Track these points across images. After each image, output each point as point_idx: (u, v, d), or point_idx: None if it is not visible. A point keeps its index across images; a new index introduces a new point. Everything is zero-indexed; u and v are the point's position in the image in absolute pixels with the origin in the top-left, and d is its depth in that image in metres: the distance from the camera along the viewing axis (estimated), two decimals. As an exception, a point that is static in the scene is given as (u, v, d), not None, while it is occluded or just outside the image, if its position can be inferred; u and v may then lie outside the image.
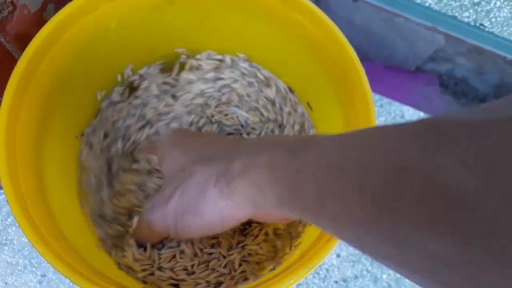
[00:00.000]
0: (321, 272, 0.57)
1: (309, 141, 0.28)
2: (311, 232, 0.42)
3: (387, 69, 0.77)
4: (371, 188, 0.20)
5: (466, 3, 0.54)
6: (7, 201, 0.35)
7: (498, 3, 0.52)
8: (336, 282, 0.57)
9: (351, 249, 0.58)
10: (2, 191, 0.59)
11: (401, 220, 0.18)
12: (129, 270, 0.42)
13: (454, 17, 0.61)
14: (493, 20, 0.55)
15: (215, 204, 0.33)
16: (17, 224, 0.58)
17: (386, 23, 0.67)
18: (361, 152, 0.22)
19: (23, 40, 0.41)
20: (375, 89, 0.37)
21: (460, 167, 0.15)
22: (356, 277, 0.57)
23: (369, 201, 0.20)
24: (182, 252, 0.43)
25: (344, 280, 0.57)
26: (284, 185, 0.27)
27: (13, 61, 0.40)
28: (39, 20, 0.43)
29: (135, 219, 0.42)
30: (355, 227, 0.21)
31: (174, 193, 0.36)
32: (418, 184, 0.17)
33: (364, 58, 0.72)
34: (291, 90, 0.51)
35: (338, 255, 0.57)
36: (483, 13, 0.55)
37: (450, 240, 0.16)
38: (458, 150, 0.16)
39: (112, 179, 0.47)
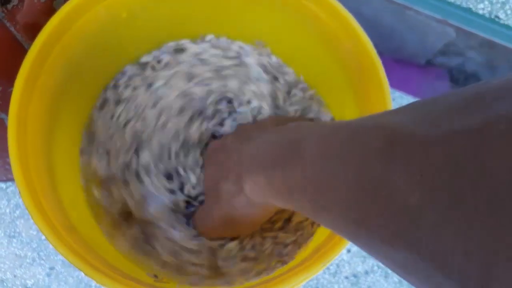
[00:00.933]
0: (331, 268, 0.57)
1: (294, 152, 0.29)
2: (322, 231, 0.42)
3: (397, 62, 0.76)
4: (346, 203, 0.22)
5: (481, -6, 0.53)
6: (19, 192, 0.35)
7: (515, -6, 0.51)
8: (346, 277, 0.57)
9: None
10: (9, 183, 0.58)
11: (374, 236, 0.19)
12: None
13: (466, 10, 0.60)
14: (509, 12, 0.54)
15: (245, 211, 0.39)
16: (25, 217, 0.58)
17: (395, 16, 0.67)
18: (335, 167, 0.23)
19: (33, 29, 0.40)
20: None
21: (409, 187, 0.17)
22: (366, 272, 0.57)
23: (347, 216, 0.22)
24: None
25: (355, 276, 0.57)
26: (284, 199, 0.31)
27: (23, 51, 0.39)
28: (49, 9, 0.43)
29: None
30: (346, 236, 0.23)
31: (212, 209, 0.42)
32: (379, 203, 0.19)
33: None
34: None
35: (349, 250, 0.57)
36: (499, 5, 0.54)
37: (406, 252, 0.17)
38: (408, 169, 0.17)
39: None
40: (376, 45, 0.74)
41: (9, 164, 0.54)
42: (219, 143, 0.45)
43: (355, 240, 0.22)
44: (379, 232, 0.19)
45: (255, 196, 0.35)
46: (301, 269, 0.34)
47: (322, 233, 0.41)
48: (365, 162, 0.20)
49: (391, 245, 0.18)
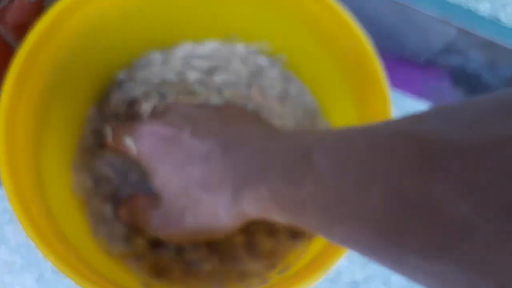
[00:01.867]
0: (330, 274, 0.56)
1: (304, 163, 0.27)
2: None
3: (397, 62, 0.77)
4: (372, 217, 0.21)
5: (482, -5, 0.53)
6: (8, 198, 0.34)
7: (515, -5, 0.52)
8: (346, 284, 0.56)
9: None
10: (-1, 187, 0.58)
11: (408, 251, 0.19)
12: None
13: (468, 10, 0.61)
14: (510, 13, 0.54)
15: (230, 223, 0.35)
16: (14, 222, 0.57)
17: (396, 15, 0.67)
18: (356, 178, 0.22)
19: (22, 29, 0.40)
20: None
21: (455, 199, 0.16)
22: (366, 279, 0.56)
23: (373, 230, 0.21)
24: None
25: (355, 282, 0.56)
26: (291, 214, 0.28)
27: (12, 51, 0.39)
28: (39, 9, 0.43)
29: None
30: (364, 250, 0.22)
31: (184, 215, 0.36)
32: (420, 216, 0.18)
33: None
34: None
35: (348, 257, 0.57)
36: (500, 6, 0.54)
37: (451, 266, 0.17)
38: (452, 180, 0.16)
39: None
40: (376, 44, 0.74)
41: (-3, 167, 0.54)
42: (163, 132, 0.38)
43: (376, 255, 0.21)
44: (419, 246, 0.18)
45: (255, 209, 0.32)
46: (300, 278, 0.33)
47: (319, 241, 0.40)
48: (397, 174, 0.19)
49: (432, 260, 0.17)
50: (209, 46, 0.50)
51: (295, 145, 0.29)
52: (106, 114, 0.47)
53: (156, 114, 0.42)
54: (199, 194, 0.35)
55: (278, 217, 0.30)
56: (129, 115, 0.46)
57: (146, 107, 0.44)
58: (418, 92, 0.73)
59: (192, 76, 0.48)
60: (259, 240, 0.43)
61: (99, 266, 0.37)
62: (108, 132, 0.42)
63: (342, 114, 0.45)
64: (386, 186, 0.20)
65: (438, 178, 0.17)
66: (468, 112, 0.17)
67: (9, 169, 0.35)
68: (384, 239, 0.20)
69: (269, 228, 0.43)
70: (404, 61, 0.76)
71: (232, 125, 0.37)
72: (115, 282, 0.36)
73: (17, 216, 0.34)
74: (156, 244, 0.42)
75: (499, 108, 0.16)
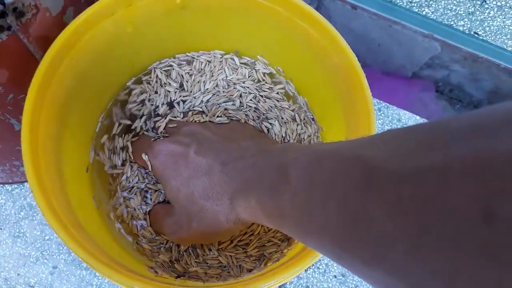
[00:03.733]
0: (321, 267, 0.59)
1: (282, 180, 0.31)
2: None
3: (385, 75, 0.79)
4: (331, 230, 0.24)
5: (462, 12, 0.56)
6: (32, 191, 0.37)
7: (492, 12, 0.55)
8: (335, 276, 0.59)
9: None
10: (14, 186, 0.61)
11: (357, 258, 0.22)
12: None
13: (450, 26, 0.63)
14: (487, 29, 0.57)
15: (231, 227, 0.41)
16: (30, 218, 0.60)
17: (384, 30, 0.70)
18: (320, 195, 0.25)
19: (44, 41, 0.43)
20: (373, 94, 0.40)
21: (383, 217, 0.19)
22: (354, 272, 0.59)
23: (332, 241, 0.24)
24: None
25: (343, 275, 0.59)
26: (275, 223, 0.33)
27: (35, 62, 0.42)
28: (60, 23, 0.45)
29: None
30: (330, 257, 0.26)
31: (192, 222, 0.43)
32: (361, 230, 0.21)
33: (362, 65, 0.74)
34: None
35: (337, 251, 0.60)
36: (477, 22, 0.57)
37: (384, 273, 0.20)
38: (383, 202, 0.19)
39: None
40: (365, 58, 0.77)
41: (15, 166, 0.57)
42: (173, 149, 0.45)
43: (340, 261, 0.24)
44: (361, 255, 0.21)
45: (248, 216, 0.38)
46: (292, 263, 0.36)
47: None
48: (346, 193, 0.22)
49: (371, 266, 0.21)
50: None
51: (278, 162, 0.33)
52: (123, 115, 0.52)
53: (168, 130, 0.50)
54: (203, 203, 0.41)
55: (267, 223, 0.34)
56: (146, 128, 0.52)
57: (161, 123, 0.50)
58: (404, 103, 0.75)
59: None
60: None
61: (114, 255, 0.41)
62: (129, 148, 0.49)
63: (333, 120, 0.49)
64: (339, 203, 0.23)
65: (373, 198, 0.20)
66: (406, 140, 0.20)
67: (33, 166, 0.38)
68: (341, 249, 0.23)
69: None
70: (391, 74, 0.78)
71: (232, 142, 0.44)
72: (128, 268, 0.39)
73: (40, 207, 0.37)
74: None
75: (427, 138, 0.19)
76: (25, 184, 0.62)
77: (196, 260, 0.47)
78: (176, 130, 0.48)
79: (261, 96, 0.54)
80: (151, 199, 0.49)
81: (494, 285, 0.14)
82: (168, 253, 0.47)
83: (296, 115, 0.53)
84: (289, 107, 0.53)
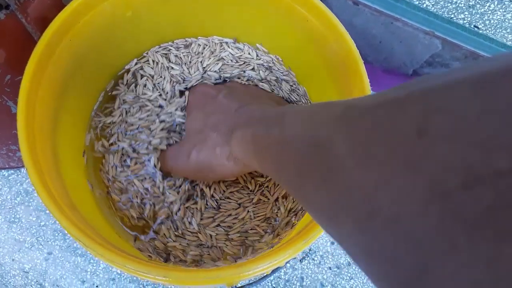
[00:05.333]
0: (316, 259, 0.59)
1: (279, 117, 0.33)
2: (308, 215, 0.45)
3: (385, 73, 0.79)
4: (299, 159, 0.26)
5: (462, 5, 0.56)
6: (27, 170, 0.37)
7: (492, 6, 0.54)
8: (330, 268, 0.59)
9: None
10: (11, 171, 0.61)
11: (308, 177, 0.24)
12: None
13: (452, 23, 0.62)
14: (487, 22, 0.57)
15: (224, 163, 0.43)
16: (26, 203, 0.60)
17: (385, 27, 0.69)
18: (301, 128, 0.27)
19: (43, 22, 0.43)
20: (373, 90, 0.40)
21: (340, 144, 0.21)
22: (349, 264, 0.59)
23: (296, 168, 0.26)
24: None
25: (338, 267, 0.59)
26: (260, 156, 0.35)
27: (33, 42, 0.42)
28: (59, 4, 0.45)
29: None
30: (294, 191, 0.27)
31: (193, 150, 0.46)
32: (321, 156, 0.23)
33: (364, 62, 0.74)
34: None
35: (333, 243, 0.60)
36: (478, 16, 0.57)
37: (324, 191, 0.22)
38: (346, 130, 0.21)
39: None
40: (366, 56, 0.77)
41: (12, 151, 0.57)
42: (209, 91, 0.50)
43: (298, 193, 0.26)
44: (313, 180, 0.23)
45: (238, 149, 0.39)
46: (284, 246, 0.36)
47: (305, 218, 0.44)
48: (321, 125, 0.24)
49: (319, 191, 0.22)
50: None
51: (282, 110, 0.34)
52: None
53: None
54: (208, 133, 0.45)
55: (253, 159, 0.36)
56: None
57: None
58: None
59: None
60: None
61: (107, 236, 0.41)
62: (155, 160, 0.49)
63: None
64: (310, 135, 0.25)
65: (339, 129, 0.22)
66: (383, 92, 0.21)
67: (28, 145, 0.38)
68: (299, 177, 0.25)
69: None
70: (392, 72, 0.78)
71: (252, 96, 0.50)
72: (122, 249, 0.39)
73: (34, 185, 0.37)
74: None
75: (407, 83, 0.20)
76: (22, 170, 0.62)
77: (175, 233, 0.47)
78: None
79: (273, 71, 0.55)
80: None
81: (414, 196, 0.16)
82: (140, 209, 0.48)
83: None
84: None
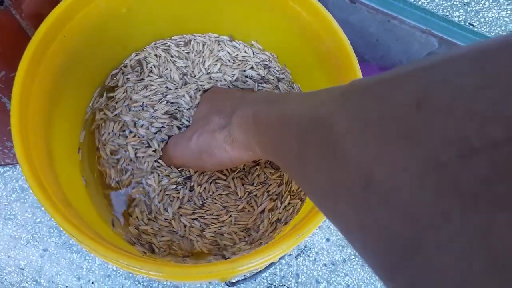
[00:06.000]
0: (311, 255, 0.59)
1: (282, 98, 0.34)
2: (303, 209, 0.45)
3: (382, 70, 0.79)
4: (299, 137, 0.26)
5: (457, 2, 0.56)
6: (20, 166, 0.37)
7: (487, 3, 0.54)
8: (325, 265, 0.59)
9: (340, 234, 0.60)
10: (6, 168, 0.61)
11: (308, 155, 0.24)
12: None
13: (449, 21, 0.62)
14: (482, 20, 0.57)
15: (223, 147, 0.42)
16: (21, 200, 0.60)
17: (382, 25, 0.69)
18: (301, 109, 0.27)
19: (37, 18, 0.43)
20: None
21: (346, 125, 0.21)
22: (344, 260, 0.59)
23: (297, 148, 0.26)
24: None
25: (333, 264, 0.59)
26: (260, 136, 0.35)
27: (27, 39, 0.42)
28: (53, 0, 0.45)
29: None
30: (293, 170, 0.28)
31: (193, 135, 0.45)
32: (317, 127, 0.24)
33: (360, 59, 0.73)
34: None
35: (328, 240, 0.60)
36: (473, 13, 0.57)
37: (324, 167, 0.22)
38: (349, 111, 0.21)
39: None
40: (363, 53, 0.77)
41: (7, 148, 0.57)
42: (221, 90, 0.51)
43: (298, 168, 0.26)
44: (313, 155, 0.24)
45: (239, 130, 0.39)
46: (278, 242, 0.36)
47: (299, 213, 0.44)
48: (318, 105, 0.25)
49: (317, 164, 0.23)
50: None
51: (283, 93, 0.37)
52: None
53: None
54: (211, 117, 0.44)
55: (253, 140, 0.36)
56: None
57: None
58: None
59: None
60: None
61: (101, 232, 0.41)
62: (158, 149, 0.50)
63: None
64: (310, 115, 0.25)
65: (343, 105, 0.22)
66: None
67: (21, 141, 0.38)
68: (300, 143, 0.26)
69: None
70: (389, 70, 0.78)
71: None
72: (116, 245, 0.39)
73: (28, 181, 0.36)
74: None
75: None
76: (17, 166, 0.62)
77: (148, 216, 0.48)
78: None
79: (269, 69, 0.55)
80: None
81: (410, 168, 0.16)
82: (120, 172, 0.50)
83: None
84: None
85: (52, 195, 0.38)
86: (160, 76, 0.53)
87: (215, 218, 0.48)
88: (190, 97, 0.52)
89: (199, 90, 0.53)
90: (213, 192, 0.49)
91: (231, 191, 0.50)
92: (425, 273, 0.15)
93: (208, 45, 0.55)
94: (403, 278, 0.17)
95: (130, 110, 0.51)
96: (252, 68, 0.54)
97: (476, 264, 0.13)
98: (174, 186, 0.49)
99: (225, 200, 0.49)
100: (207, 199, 0.49)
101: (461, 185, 0.14)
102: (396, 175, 0.17)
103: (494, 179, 0.13)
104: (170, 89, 0.53)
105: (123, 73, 0.53)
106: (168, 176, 0.49)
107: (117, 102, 0.52)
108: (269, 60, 0.54)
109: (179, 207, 0.48)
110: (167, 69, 0.54)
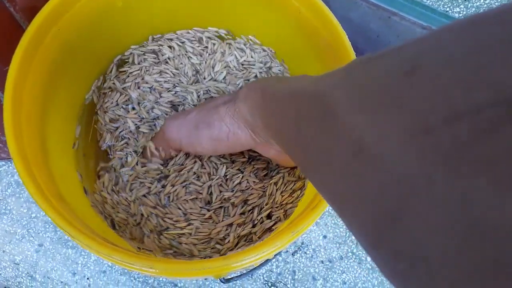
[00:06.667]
0: (308, 252, 0.59)
1: (289, 78, 0.35)
2: (300, 205, 0.44)
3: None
4: (294, 111, 0.27)
5: (457, -2, 0.56)
6: (12, 159, 0.37)
7: (488, -1, 0.54)
8: (322, 262, 0.59)
9: (337, 231, 0.60)
10: (2, 163, 0.61)
11: (304, 129, 0.25)
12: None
13: (450, 17, 0.62)
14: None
15: (223, 120, 0.40)
16: (17, 195, 0.60)
17: (382, 21, 0.69)
18: (304, 85, 0.28)
19: (31, 12, 0.42)
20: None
21: (343, 96, 0.21)
22: (341, 258, 0.59)
23: (295, 117, 0.27)
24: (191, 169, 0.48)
25: (330, 261, 0.59)
26: (265, 110, 0.35)
27: (21, 31, 0.41)
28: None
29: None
30: (289, 139, 0.29)
31: (193, 110, 0.44)
32: (313, 105, 0.24)
33: (360, 55, 0.73)
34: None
35: (325, 237, 0.59)
36: (473, 9, 0.57)
37: (324, 137, 0.23)
38: (346, 84, 0.22)
39: None
40: (363, 50, 0.76)
41: (3, 142, 0.57)
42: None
43: (297, 139, 0.27)
44: (312, 127, 0.24)
45: (245, 102, 0.38)
46: (273, 238, 0.36)
47: (297, 210, 0.44)
48: (321, 83, 0.25)
49: (315, 135, 0.24)
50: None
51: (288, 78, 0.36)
52: None
53: None
54: (215, 100, 0.43)
55: (256, 111, 0.36)
56: None
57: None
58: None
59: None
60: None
61: (95, 228, 0.40)
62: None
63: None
64: (312, 90, 0.25)
65: (338, 84, 0.23)
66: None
67: (14, 135, 0.37)
68: (297, 127, 0.26)
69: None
70: None
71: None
72: (109, 240, 0.38)
73: (20, 175, 0.36)
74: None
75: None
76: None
77: (113, 186, 0.47)
78: None
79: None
80: None
81: (397, 134, 0.16)
82: (116, 139, 0.50)
83: None
84: None
85: (45, 190, 0.37)
86: (176, 68, 0.53)
87: (173, 223, 0.46)
88: (198, 96, 0.52)
89: (205, 94, 0.52)
90: (181, 197, 0.47)
91: (201, 198, 0.47)
92: (408, 239, 0.16)
93: (221, 46, 0.54)
94: (387, 246, 0.17)
95: (138, 88, 0.52)
96: (256, 76, 0.54)
97: (458, 229, 0.14)
98: (150, 179, 0.48)
99: (189, 206, 0.47)
100: (171, 201, 0.47)
101: (445, 149, 0.15)
102: (384, 140, 0.17)
103: (475, 142, 0.14)
104: (182, 82, 0.53)
105: (142, 53, 0.53)
106: (147, 172, 0.48)
107: (128, 76, 0.52)
108: (270, 58, 0.54)
109: (144, 195, 0.47)
110: (181, 63, 0.54)
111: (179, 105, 0.51)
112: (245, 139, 0.41)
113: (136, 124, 0.50)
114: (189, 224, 0.46)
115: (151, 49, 0.54)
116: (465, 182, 0.14)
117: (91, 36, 0.47)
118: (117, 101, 0.51)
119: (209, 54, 0.54)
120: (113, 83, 0.51)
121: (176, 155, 0.48)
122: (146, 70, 0.52)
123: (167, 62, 0.53)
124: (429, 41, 0.17)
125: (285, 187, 0.47)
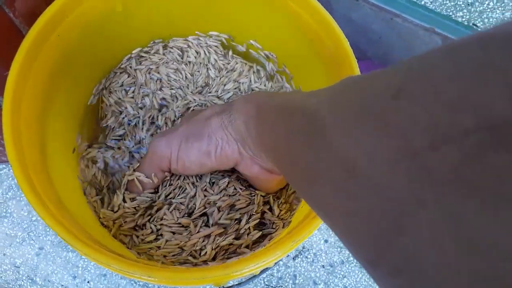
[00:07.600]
0: (309, 257, 0.59)
1: (283, 93, 0.35)
2: (299, 213, 0.44)
3: (384, 67, 0.78)
4: (284, 126, 0.29)
5: (461, 3, 0.55)
6: (10, 164, 0.36)
7: (491, 4, 0.54)
8: (323, 266, 0.59)
9: (339, 236, 0.59)
10: (3, 166, 0.61)
11: (295, 142, 0.26)
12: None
13: (453, 20, 0.62)
14: (486, 20, 0.57)
15: (215, 133, 0.40)
16: (17, 198, 0.60)
17: (385, 23, 0.69)
18: (294, 100, 0.29)
19: (31, 17, 0.42)
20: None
21: (331, 115, 0.22)
22: (342, 262, 0.59)
23: (285, 132, 0.28)
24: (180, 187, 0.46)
25: (331, 265, 0.59)
26: (258, 127, 0.35)
27: (21, 37, 0.41)
28: (47, -1, 0.45)
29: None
30: (280, 154, 0.30)
31: (182, 124, 0.42)
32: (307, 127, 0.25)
33: (362, 57, 0.73)
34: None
35: (326, 241, 0.59)
36: (476, 14, 0.57)
37: (311, 154, 0.24)
38: (334, 103, 0.23)
39: None
40: (365, 51, 0.76)
41: (3, 146, 0.56)
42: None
43: (288, 155, 0.28)
44: (301, 142, 0.25)
45: (240, 118, 0.38)
46: (273, 247, 0.36)
47: (296, 217, 0.44)
48: (313, 101, 0.26)
49: (303, 151, 0.24)
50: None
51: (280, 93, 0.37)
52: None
53: None
54: (205, 111, 0.42)
55: (253, 131, 0.36)
56: None
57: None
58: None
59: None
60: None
61: (95, 234, 0.40)
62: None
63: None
64: (302, 107, 0.26)
65: (326, 102, 0.24)
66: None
67: (13, 140, 0.37)
68: (287, 136, 0.28)
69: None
70: None
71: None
72: (108, 248, 0.38)
73: (17, 180, 0.36)
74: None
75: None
76: (14, 164, 0.61)
77: (103, 172, 0.47)
78: None
79: None
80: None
81: (386, 156, 0.17)
82: (117, 120, 0.50)
83: None
84: None
85: (44, 196, 0.37)
86: (192, 74, 0.53)
87: (142, 239, 0.44)
88: (200, 105, 0.51)
89: (195, 107, 0.52)
90: (162, 217, 0.45)
91: (182, 208, 0.45)
92: (406, 256, 0.16)
93: (241, 66, 0.55)
94: (386, 263, 0.17)
95: (149, 73, 0.52)
96: None
97: (450, 248, 0.14)
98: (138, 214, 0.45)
99: (165, 218, 0.45)
100: (151, 222, 0.45)
101: (433, 173, 0.15)
102: (373, 161, 0.18)
103: (463, 167, 0.14)
104: (187, 88, 0.53)
105: (169, 48, 0.54)
106: (138, 206, 0.45)
107: (146, 60, 0.53)
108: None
109: (124, 200, 0.45)
110: (198, 71, 0.54)
111: (166, 106, 0.52)
112: (231, 153, 0.40)
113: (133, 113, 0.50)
114: (156, 239, 0.44)
115: (179, 46, 0.54)
116: (456, 205, 0.14)
117: (92, 41, 0.46)
118: (123, 82, 0.51)
119: (227, 71, 0.54)
120: (129, 65, 0.52)
121: (166, 177, 0.45)
122: (166, 62, 0.53)
123: (186, 64, 0.54)
124: (415, 65, 0.18)
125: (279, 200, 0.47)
